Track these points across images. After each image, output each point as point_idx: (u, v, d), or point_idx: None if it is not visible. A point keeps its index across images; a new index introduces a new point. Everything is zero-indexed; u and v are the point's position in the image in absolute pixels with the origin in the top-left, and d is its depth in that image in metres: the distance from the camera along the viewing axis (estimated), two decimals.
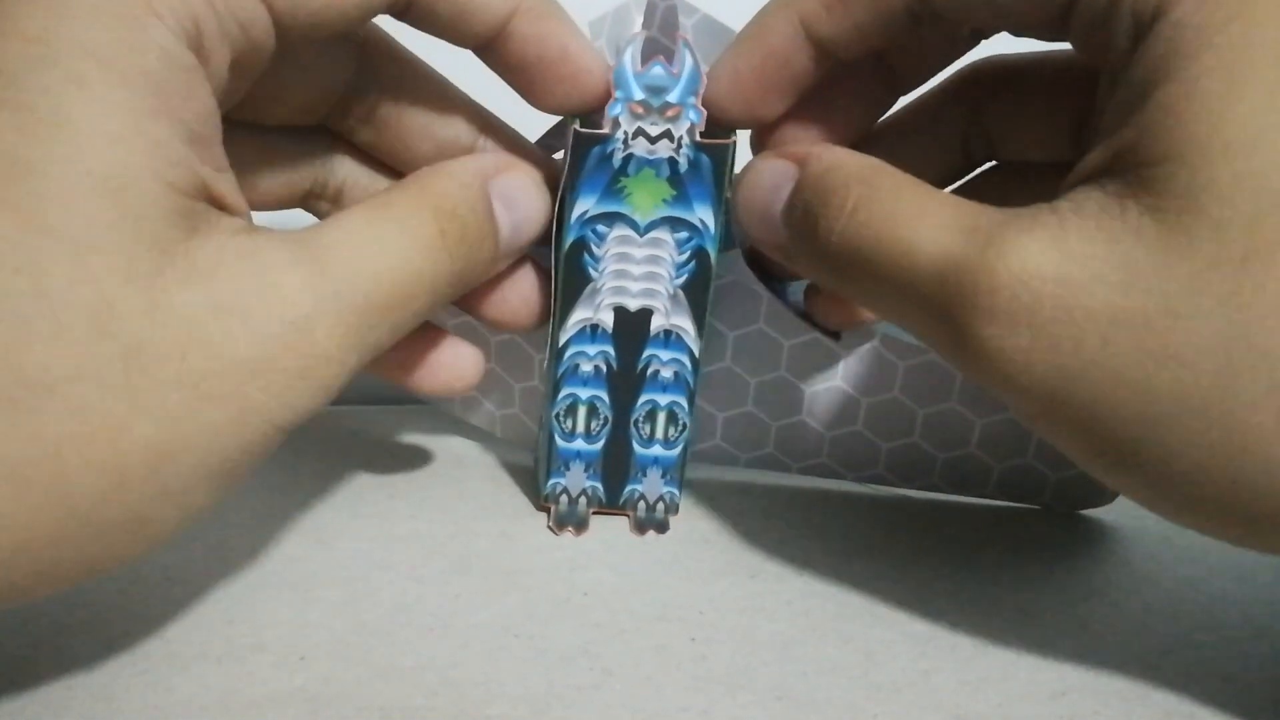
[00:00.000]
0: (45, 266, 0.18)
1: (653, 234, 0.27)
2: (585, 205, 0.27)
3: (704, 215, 0.27)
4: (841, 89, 0.27)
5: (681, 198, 0.27)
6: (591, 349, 0.28)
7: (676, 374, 0.29)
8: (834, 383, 0.31)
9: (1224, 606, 0.27)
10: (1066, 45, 0.24)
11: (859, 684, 0.24)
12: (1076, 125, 0.27)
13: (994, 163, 0.29)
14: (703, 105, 0.26)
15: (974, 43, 0.27)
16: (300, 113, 0.27)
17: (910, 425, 0.31)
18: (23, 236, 0.18)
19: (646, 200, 0.27)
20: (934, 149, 0.28)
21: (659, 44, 0.27)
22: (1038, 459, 0.31)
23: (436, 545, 0.29)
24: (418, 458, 0.34)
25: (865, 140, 0.28)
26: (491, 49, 0.26)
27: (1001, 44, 0.27)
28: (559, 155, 0.29)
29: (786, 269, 0.28)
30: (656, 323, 0.28)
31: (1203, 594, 0.28)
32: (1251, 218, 0.19)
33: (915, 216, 0.22)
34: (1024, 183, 0.28)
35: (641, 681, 0.24)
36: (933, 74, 0.28)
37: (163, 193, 0.20)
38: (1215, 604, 0.27)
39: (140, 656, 0.23)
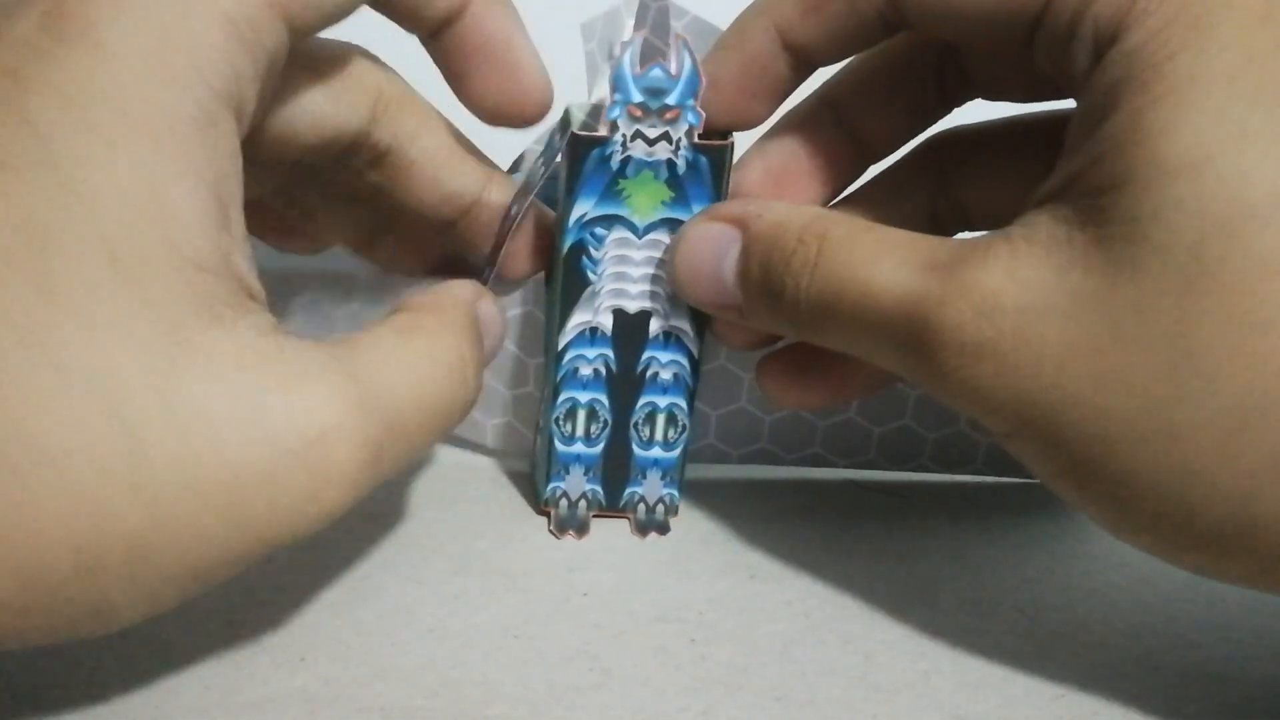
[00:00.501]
0: (59, 340, 0.18)
1: (651, 236, 0.27)
2: (584, 208, 0.27)
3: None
4: (809, 157, 0.28)
5: (680, 199, 0.27)
6: (591, 352, 0.28)
7: (676, 375, 0.29)
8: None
9: (1224, 607, 0.27)
10: (1033, 107, 0.25)
11: (859, 684, 0.24)
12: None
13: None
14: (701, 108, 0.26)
15: (944, 111, 0.28)
16: (309, 154, 0.26)
17: (902, 407, 0.32)
18: (38, 306, 0.18)
19: (645, 202, 0.27)
20: (901, 220, 0.28)
21: (652, 46, 0.27)
22: None
23: (436, 545, 0.29)
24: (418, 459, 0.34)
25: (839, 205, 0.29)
26: (440, 36, 0.25)
27: (974, 113, 0.27)
28: (528, 168, 0.29)
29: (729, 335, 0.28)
30: (655, 325, 0.28)
31: (1202, 594, 0.28)
32: (1194, 243, 0.19)
33: (874, 259, 0.23)
34: None
35: (641, 682, 0.24)
36: (901, 143, 0.28)
37: (182, 272, 0.19)
38: (1215, 604, 0.27)
39: (139, 657, 0.23)
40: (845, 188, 0.28)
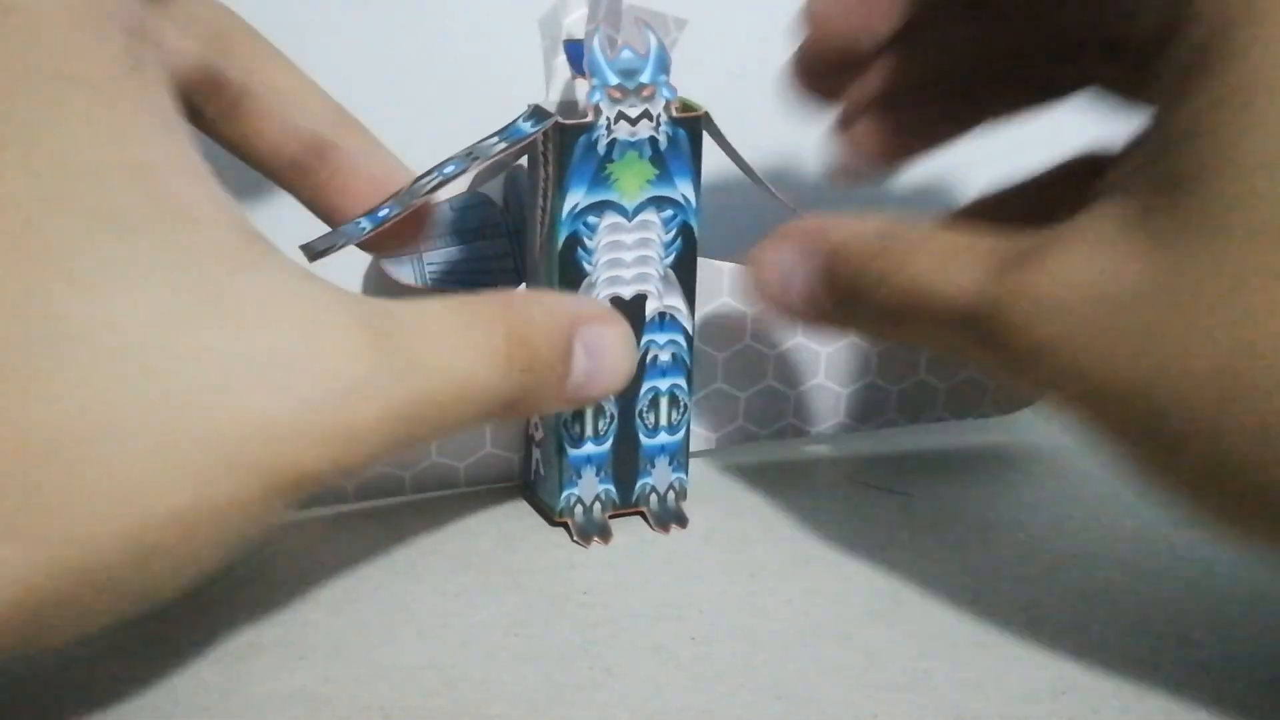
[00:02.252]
0: (58, 312, 0.17)
1: (640, 217, 0.28)
2: (575, 198, 0.27)
3: (685, 190, 0.28)
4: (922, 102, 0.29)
5: (664, 175, 0.27)
6: None
7: (674, 355, 0.29)
8: (845, 339, 0.32)
9: (1224, 606, 0.27)
10: None
11: (860, 683, 0.24)
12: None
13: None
14: (810, 23, 0.27)
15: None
16: None
17: (916, 363, 0.32)
18: (31, 276, 0.17)
19: (632, 183, 0.27)
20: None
21: (606, 35, 0.27)
22: None
23: (436, 544, 0.29)
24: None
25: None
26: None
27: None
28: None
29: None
30: (651, 306, 0.29)
31: (1203, 593, 0.28)
32: (1275, 234, 0.19)
33: (943, 261, 0.23)
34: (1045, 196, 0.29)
35: (641, 681, 0.24)
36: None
37: (172, 221, 0.18)
38: (1215, 604, 0.27)
39: (138, 656, 0.23)
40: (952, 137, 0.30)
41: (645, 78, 0.26)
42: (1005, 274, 0.22)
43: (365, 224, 0.27)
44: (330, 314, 0.20)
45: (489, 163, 0.26)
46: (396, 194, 0.28)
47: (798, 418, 0.33)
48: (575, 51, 0.27)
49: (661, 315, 0.29)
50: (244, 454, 0.18)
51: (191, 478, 0.18)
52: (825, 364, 0.32)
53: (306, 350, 0.19)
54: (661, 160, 0.27)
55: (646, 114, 0.27)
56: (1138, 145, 0.22)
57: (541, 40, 0.27)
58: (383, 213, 0.27)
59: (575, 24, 0.27)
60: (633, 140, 0.27)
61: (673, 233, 0.28)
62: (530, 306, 0.24)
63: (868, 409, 0.33)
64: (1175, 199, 0.20)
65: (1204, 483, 0.21)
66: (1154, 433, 0.21)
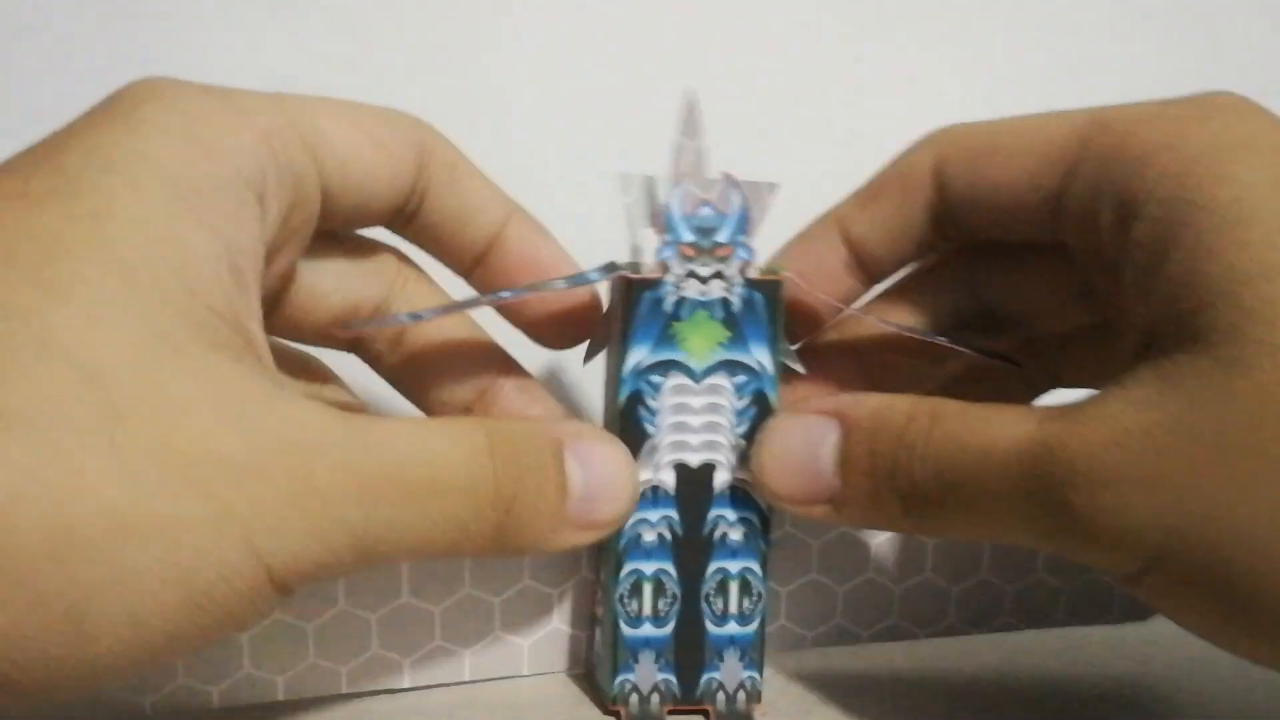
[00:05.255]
0: (48, 325, 0.18)
1: (709, 380, 0.26)
2: (639, 355, 0.26)
3: (761, 356, 0.26)
4: (820, 271, 0.27)
5: (737, 339, 0.26)
6: (654, 515, 0.26)
7: (746, 535, 0.27)
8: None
9: None
10: None
11: None
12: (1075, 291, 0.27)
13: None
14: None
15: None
16: (355, 222, 0.26)
17: (977, 560, 0.29)
18: (33, 296, 0.18)
19: (701, 345, 0.26)
20: (929, 320, 0.28)
21: (689, 192, 0.26)
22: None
23: None
24: None
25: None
26: (481, 264, 0.26)
27: None
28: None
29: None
30: (720, 478, 0.26)
31: None
32: None
33: (988, 420, 0.23)
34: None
35: None
36: (902, 265, 0.28)
37: (191, 303, 0.19)
38: None
39: None
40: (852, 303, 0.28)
41: (722, 237, 0.25)
42: (1064, 417, 0.21)
43: (404, 318, 0.26)
44: (295, 395, 0.20)
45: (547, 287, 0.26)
46: (447, 305, 0.27)
47: (903, 617, 0.29)
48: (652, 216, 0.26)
49: (733, 489, 0.27)
50: (191, 475, 0.18)
51: (126, 475, 0.18)
52: (931, 555, 0.29)
53: (263, 409, 0.19)
54: (735, 323, 0.26)
55: (719, 274, 0.25)
56: (1139, 300, 0.22)
57: (623, 196, 0.26)
58: (423, 315, 0.26)
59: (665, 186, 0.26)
60: (703, 300, 0.26)
61: (746, 400, 0.26)
62: (512, 420, 0.24)
63: (979, 611, 0.29)
64: (1207, 324, 0.20)
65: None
66: (1227, 562, 0.20)
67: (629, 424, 0.26)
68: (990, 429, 0.22)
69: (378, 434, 0.21)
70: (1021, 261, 0.27)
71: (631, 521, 0.26)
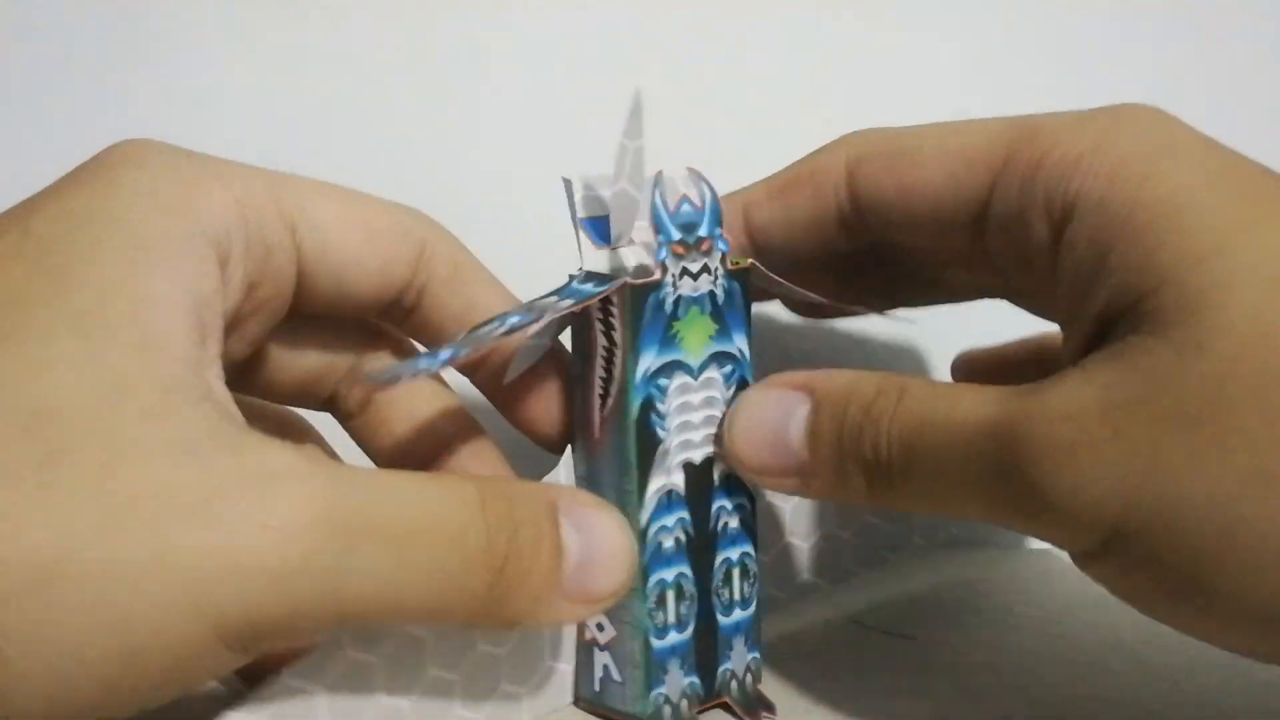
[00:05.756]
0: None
1: (705, 375, 0.26)
2: (648, 361, 0.25)
3: (741, 344, 0.27)
4: None
5: (723, 330, 0.26)
6: (670, 519, 0.26)
7: (742, 520, 0.27)
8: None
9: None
10: None
11: None
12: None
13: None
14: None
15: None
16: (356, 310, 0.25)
17: None
18: None
19: (696, 341, 0.26)
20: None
21: (627, 195, 0.26)
22: None
23: None
24: None
25: None
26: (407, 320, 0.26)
27: None
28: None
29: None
30: (718, 470, 0.27)
31: None
32: (1253, 306, 0.20)
33: (953, 398, 0.23)
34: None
35: None
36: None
37: (143, 345, 0.19)
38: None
39: None
40: None
41: (703, 231, 0.26)
42: (1025, 395, 0.22)
43: (422, 364, 0.24)
44: (276, 449, 0.19)
45: (548, 322, 0.25)
46: (456, 339, 0.25)
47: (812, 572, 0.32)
48: (594, 226, 0.26)
49: (727, 477, 0.27)
50: (136, 513, 0.17)
51: (58, 520, 0.17)
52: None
53: (234, 466, 0.18)
54: (720, 315, 0.26)
55: (706, 268, 0.26)
56: (1083, 295, 0.23)
57: (569, 204, 0.26)
58: (443, 355, 0.23)
59: (589, 200, 0.26)
60: (695, 296, 0.26)
61: (732, 389, 0.27)
62: (505, 480, 0.24)
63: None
64: (1159, 306, 0.21)
65: (1229, 599, 0.21)
66: (1181, 538, 0.20)
67: (643, 432, 0.25)
68: (956, 406, 0.23)
69: (355, 476, 0.20)
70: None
71: (654, 530, 0.26)
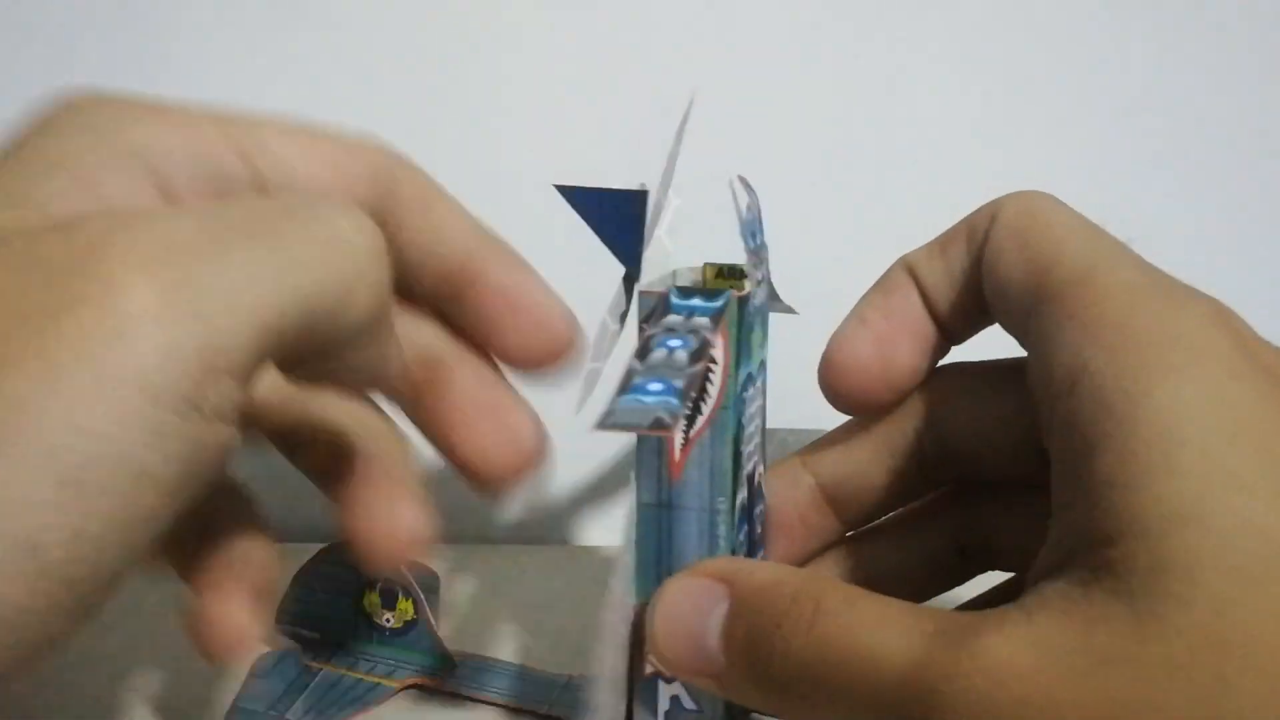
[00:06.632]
0: None
1: (758, 383, 0.26)
2: (744, 370, 0.24)
3: (765, 351, 0.27)
4: (903, 324, 0.27)
5: (765, 338, 0.26)
6: (742, 533, 0.25)
7: (762, 526, 0.27)
8: None
9: None
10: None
11: None
12: None
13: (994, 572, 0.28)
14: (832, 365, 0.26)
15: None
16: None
17: None
18: None
19: (756, 350, 0.25)
20: (926, 559, 0.28)
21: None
22: None
23: None
24: None
25: (856, 539, 0.28)
26: (457, 301, 0.25)
27: None
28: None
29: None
30: (757, 477, 0.26)
31: None
32: (1218, 596, 0.18)
33: (876, 625, 0.21)
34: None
35: None
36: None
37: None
38: None
39: None
40: (937, 362, 0.27)
41: (762, 237, 0.25)
42: (952, 641, 0.19)
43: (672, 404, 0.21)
44: None
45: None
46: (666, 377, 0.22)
47: None
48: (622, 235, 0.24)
49: (758, 488, 0.26)
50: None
51: None
52: None
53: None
54: (764, 322, 0.26)
55: (766, 276, 0.25)
56: (1065, 506, 0.21)
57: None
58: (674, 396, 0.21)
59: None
60: (760, 305, 0.25)
61: (766, 397, 0.26)
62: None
63: None
64: (1120, 559, 0.19)
65: None
66: None
67: (737, 449, 0.24)
68: (873, 640, 0.20)
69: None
70: (1014, 489, 0.27)
71: (738, 546, 0.25)
